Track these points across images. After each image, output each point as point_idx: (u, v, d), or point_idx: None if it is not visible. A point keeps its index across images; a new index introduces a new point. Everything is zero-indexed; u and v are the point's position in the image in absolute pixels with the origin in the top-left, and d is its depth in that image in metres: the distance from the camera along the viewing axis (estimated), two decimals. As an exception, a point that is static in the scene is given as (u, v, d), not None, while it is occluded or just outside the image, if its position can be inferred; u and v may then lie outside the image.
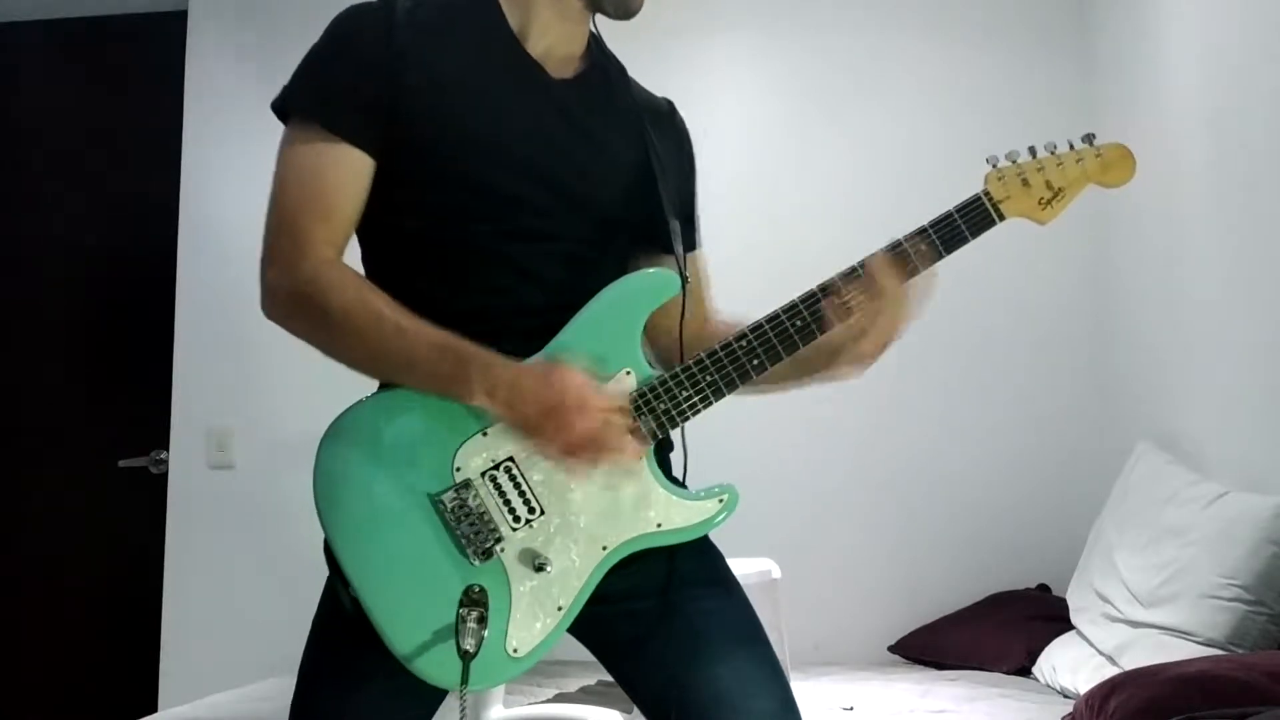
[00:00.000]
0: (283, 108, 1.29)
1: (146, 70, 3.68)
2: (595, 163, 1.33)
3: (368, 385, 1.28)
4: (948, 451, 3.19)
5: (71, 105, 3.71)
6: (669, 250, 1.35)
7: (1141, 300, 2.96)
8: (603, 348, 1.24)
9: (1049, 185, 1.31)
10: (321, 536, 1.22)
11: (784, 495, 3.13)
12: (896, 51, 3.36)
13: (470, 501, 1.20)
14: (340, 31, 1.29)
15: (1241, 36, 2.37)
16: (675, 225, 1.36)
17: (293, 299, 1.23)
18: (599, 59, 1.41)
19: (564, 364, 1.19)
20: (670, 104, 1.49)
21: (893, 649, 3.04)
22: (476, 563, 1.19)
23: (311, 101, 1.27)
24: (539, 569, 1.20)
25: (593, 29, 1.40)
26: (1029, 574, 3.07)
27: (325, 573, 1.26)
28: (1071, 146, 1.33)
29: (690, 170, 1.49)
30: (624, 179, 1.35)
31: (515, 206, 1.28)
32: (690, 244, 1.48)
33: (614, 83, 1.40)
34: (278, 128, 1.30)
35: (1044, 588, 3.04)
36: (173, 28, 3.57)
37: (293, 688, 1.31)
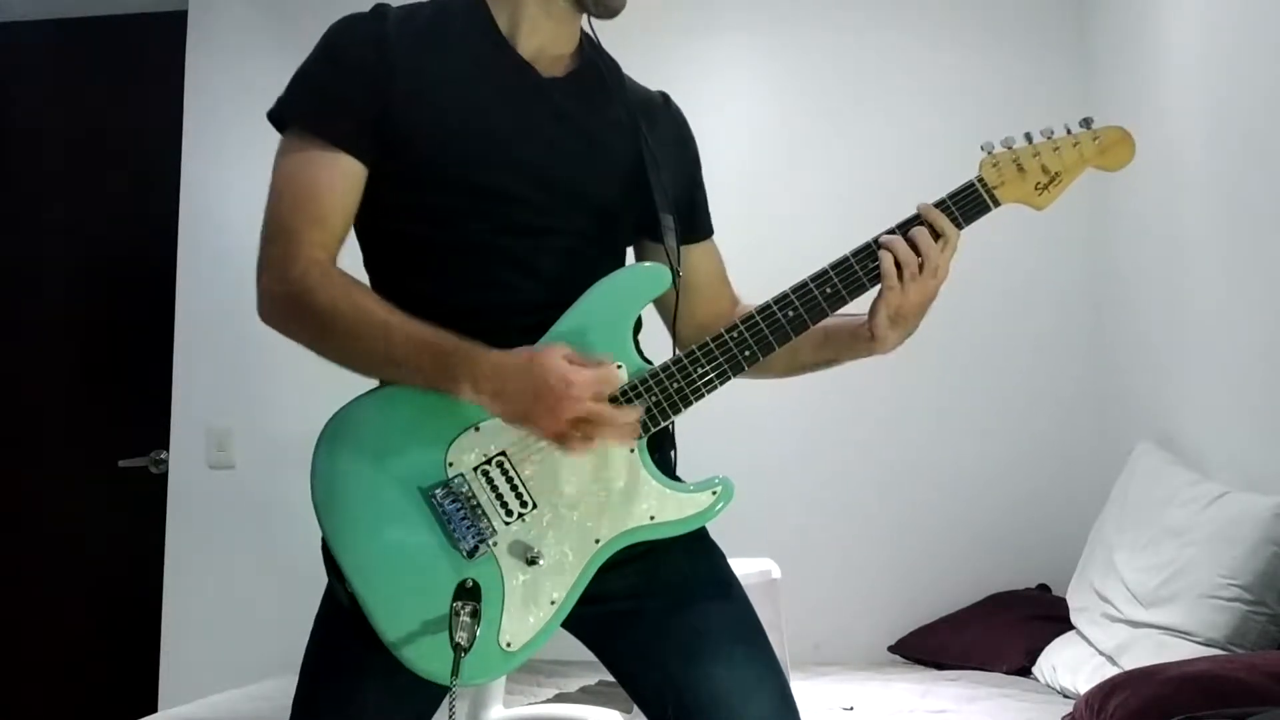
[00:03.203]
0: (278, 117, 1.30)
1: (146, 70, 3.68)
2: (588, 158, 1.34)
3: (368, 385, 1.28)
4: (948, 451, 3.19)
5: (71, 105, 3.71)
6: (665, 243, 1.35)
7: (1141, 300, 2.95)
8: (594, 342, 1.24)
9: (1045, 170, 1.29)
10: (321, 536, 1.23)
11: (784, 495, 3.13)
12: (896, 51, 3.35)
13: (462, 496, 1.20)
14: (333, 41, 1.31)
15: (1242, 34, 2.37)
16: (668, 219, 1.36)
17: (285, 301, 1.24)
18: (591, 57, 1.41)
19: (544, 349, 1.19)
20: (665, 95, 1.49)
21: (893, 649, 3.04)
22: (469, 557, 1.19)
23: (305, 111, 1.28)
24: (531, 563, 1.20)
25: (585, 28, 1.41)
26: (1029, 574, 3.07)
27: (326, 572, 1.26)
28: (1069, 131, 1.31)
29: (693, 159, 1.49)
30: (618, 174, 1.36)
31: (510, 204, 1.28)
32: (704, 230, 1.50)
33: (606, 79, 1.41)
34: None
35: (1044, 588, 3.03)
36: (173, 28, 3.58)
37: (293, 687, 1.32)
